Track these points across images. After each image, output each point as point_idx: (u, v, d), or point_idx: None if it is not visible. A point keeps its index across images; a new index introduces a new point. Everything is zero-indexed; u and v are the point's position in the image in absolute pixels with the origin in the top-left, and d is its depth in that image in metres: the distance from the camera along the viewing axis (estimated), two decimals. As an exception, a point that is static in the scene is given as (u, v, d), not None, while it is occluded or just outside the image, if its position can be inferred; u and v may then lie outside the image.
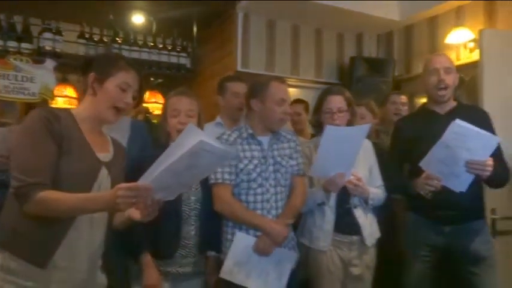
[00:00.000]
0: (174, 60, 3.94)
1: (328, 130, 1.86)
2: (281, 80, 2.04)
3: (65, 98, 3.70)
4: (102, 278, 1.53)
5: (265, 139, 1.98)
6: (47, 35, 3.48)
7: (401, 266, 2.16)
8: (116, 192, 1.20)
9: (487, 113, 2.12)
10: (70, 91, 3.75)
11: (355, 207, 2.07)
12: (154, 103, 3.86)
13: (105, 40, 3.77)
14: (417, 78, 3.76)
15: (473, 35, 3.33)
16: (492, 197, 2.31)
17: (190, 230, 1.84)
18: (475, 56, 3.24)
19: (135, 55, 3.76)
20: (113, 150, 1.53)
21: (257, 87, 1.98)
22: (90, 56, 3.28)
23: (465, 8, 3.61)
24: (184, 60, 4.01)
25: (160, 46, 3.97)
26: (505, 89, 2.70)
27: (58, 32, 3.54)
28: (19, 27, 3.46)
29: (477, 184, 1.94)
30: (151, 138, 2.28)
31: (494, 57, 2.75)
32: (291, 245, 1.99)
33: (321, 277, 2.06)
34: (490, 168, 1.81)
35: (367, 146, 2.19)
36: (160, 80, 4.01)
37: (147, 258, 1.77)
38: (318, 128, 2.20)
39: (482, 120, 2.01)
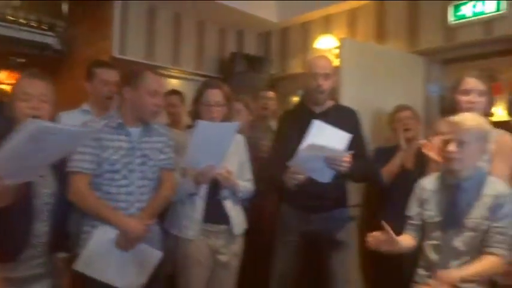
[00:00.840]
0: (38, 38, 3.56)
1: (200, 125, 1.91)
2: (157, 71, 2.00)
3: None
4: None
5: (135, 130, 1.92)
6: None
7: (270, 253, 2.31)
8: None
9: (356, 112, 2.35)
10: None
11: (225, 198, 2.15)
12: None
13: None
14: (291, 78, 4.06)
15: (338, 42, 3.67)
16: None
17: (43, 227, 1.68)
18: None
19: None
20: None
21: (131, 74, 1.91)
22: None
23: (332, 18, 4.00)
24: (52, 40, 3.65)
25: (23, 21, 3.53)
26: (360, 93, 3.02)
27: None
28: None
29: (342, 177, 2.15)
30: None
31: (353, 65, 3.05)
32: (156, 239, 1.95)
33: (189, 266, 2.09)
34: (347, 164, 2.01)
35: (240, 140, 2.28)
36: (22, 60, 3.59)
37: None
38: (197, 119, 2.20)
39: (351, 119, 2.27)
